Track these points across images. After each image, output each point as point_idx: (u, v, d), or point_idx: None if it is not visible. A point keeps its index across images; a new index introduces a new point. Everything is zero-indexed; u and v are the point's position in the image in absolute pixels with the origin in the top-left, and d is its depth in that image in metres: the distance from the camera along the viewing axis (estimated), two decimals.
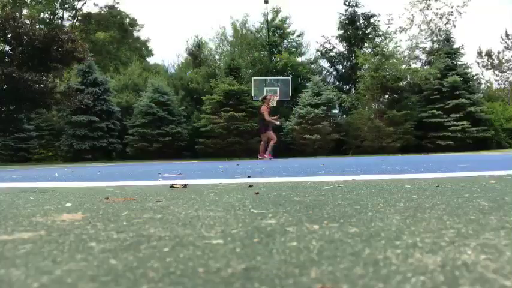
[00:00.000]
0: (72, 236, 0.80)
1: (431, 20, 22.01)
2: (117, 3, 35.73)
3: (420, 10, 21.98)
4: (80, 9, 35.42)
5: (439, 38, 21.58)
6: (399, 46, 19.73)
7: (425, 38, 22.26)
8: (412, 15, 22.15)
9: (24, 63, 14.68)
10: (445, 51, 19.81)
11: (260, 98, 12.13)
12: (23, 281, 0.51)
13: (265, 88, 17.45)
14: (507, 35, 31.97)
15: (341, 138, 18.87)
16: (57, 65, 15.29)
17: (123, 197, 1.55)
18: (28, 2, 29.86)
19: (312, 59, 25.09)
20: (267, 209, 1.11)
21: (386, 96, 20.10)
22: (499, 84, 31.08)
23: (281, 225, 0.85)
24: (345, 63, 24.48)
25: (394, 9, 39.75)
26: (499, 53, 32.64)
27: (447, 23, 21.80)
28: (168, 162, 13.32)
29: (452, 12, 21.93)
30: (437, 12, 21.93)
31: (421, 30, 21.94)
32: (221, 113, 18.65)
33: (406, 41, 22.67)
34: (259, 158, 11.30)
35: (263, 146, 11.69)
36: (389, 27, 22.80)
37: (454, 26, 21.55)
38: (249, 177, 2.62)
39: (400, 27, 22.02)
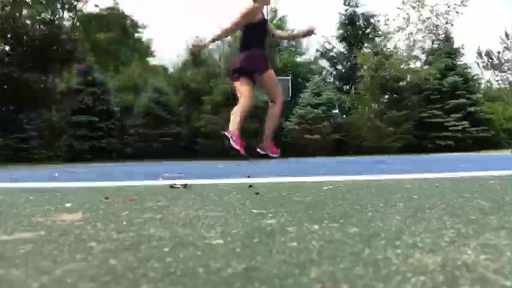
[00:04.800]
0: (72, 236, 0.80)
1: (428, 18, 21.99)
2: (117, 4, 35.72)
3: (413, 7, 21.89)
4: (81, 10, 35.42)
5: (437, 36, 21.56)
6: (398, 47, 19.78)
7: (423, 37, 22.26)
8: (407, 14, 22.11)
9: (24, 63, 14.68)
10: (445, 51, 19.83)
11: None
12: (23, 281, 0.51)
13: None
14: (507, 35, 32.00)
15: (341, 138, 18.89)
16: (57, 65, 15.31)
17: (123, 197, 1.55)
18: (28, 1, 29.85)
19: (312, 59, 25.12)
20: (267, 209, 1.11)
21: (386, 96, 20.12)
22: (499, 84, 31.13)
23: (281, 225, 0.85)
24: (345, 63, 24.52)
25: (393, 10, 39.77)
26: (498, 53, 32.69)
27: (447, 22, 21.78)
28: (168, 162, 13.33)
29: (449, 11, 21.90)
30: (432, 10, 21.89)
31: (419, 30, 21.93)
32: (221, 113, 18.66)
33: (404, 40, 22.65)
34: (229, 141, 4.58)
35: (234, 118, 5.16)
36: (388, 27, 22.79)
37: (452, 24, 21.51)
38: (249, 177, 2.62)
39: (398, 27, 22.02)
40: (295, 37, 7.23)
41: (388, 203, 1.16)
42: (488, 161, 4.62)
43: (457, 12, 21.90)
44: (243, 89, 4.42)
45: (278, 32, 5.43)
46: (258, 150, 5.03)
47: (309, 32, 5.00)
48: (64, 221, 0.99)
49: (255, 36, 4.56)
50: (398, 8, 22.03)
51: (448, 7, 21.90)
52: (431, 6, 21.97)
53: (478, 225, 0.79)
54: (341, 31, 23.71)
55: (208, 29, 60.40)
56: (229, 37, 26.61)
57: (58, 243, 0.73)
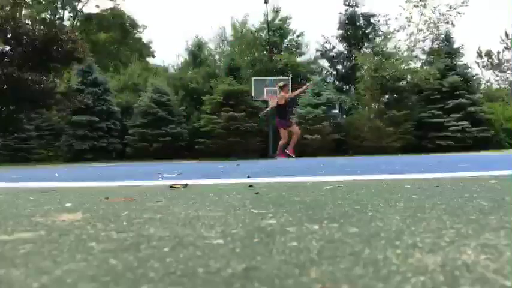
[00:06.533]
0: (72, 236, 0.80)
1: (430, 18, 21.90)
2: (118, 4, 35.72)
3: (416, 6, 21.76)
4: (81, 10, 35.42)
5: (438, 36, 21.49)
6: (398, 48, 19.74)
7: (424, 37, 22.19)
8: (410, 13, 21.99)
9: (24, 63, 14.67)
10: (445, 51, 19.81)
11: (279, 85, 10.21)
12: (23, 281, 0.51)
13: (265, 88, 17.46)
14: (507, 35, 31.98)
15: (341, 138, 18.86)
16: (57, 65, 15.30)
17: (123, 197, 1.55)
18: (28, 1, 29.83)
19: (312, 59, 25.08)
20: (267, 209, 1.11)
21: (386, 96, 20.09)
22: (499, 84, 31.10)
23: (281, 225, 0.85)
24: (345, 63, 24.49)
25: (394, 10, 39.75)
26: (498, 53, 32.66)
27: (447, 22, 21.70)
28: (168, 162, 13.32)
29: (450, 11, 21.79)
30: (434, 10, 21.81)
31: (420, 30, 21.85)
32: (221, 113, 18.64)
33: (405, 40, 22.55)
34: (288, 156, 9.65)
35: (292, 141, 9.79)
36: (388, 27, 22.74)
37: (453, 25, 21.43)
38: (248, 177, 2.62)
39: (399, 27, 21.93)
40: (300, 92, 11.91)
41: (388, 203, 1.16)
42: (488, 161, 4.62)
43: (459, 13, 21.81)
44: (296, 128, 10.01)
45: (293, 94, 11.06)
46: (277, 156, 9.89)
47: (306, 88, 11.56)
48: (64, 221, 0.99)
49: (287, 109, 10.13)
50: (400, 6, 21.93)
51: (450, 7, 21.82)
52: (434, 7, 21.89)
53: (478, 225, 0.79)
54: (341, 31, 23.69)
55: (208, 29, 60.36)
56: (229, 38, 26.65)
57: (58, 243, 0.73)
